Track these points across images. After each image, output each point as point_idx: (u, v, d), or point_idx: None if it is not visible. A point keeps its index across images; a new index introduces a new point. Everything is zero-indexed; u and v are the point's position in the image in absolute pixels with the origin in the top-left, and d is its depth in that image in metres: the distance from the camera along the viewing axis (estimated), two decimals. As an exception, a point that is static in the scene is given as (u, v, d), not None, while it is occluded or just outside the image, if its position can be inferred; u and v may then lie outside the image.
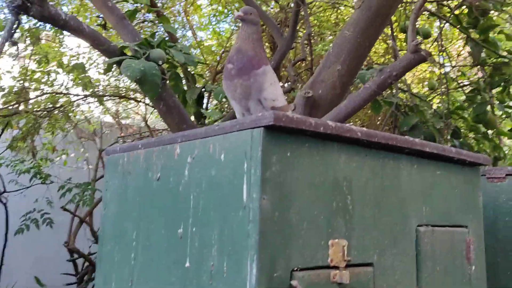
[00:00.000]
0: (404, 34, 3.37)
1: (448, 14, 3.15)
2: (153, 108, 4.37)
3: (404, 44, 3.93)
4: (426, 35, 3.10)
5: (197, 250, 0.84)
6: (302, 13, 3.18)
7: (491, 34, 2.98)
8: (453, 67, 3.63)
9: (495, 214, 1.60)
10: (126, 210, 1.07)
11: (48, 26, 3.63)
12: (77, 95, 4.03)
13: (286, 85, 3.64)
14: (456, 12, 3.10)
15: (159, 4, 4.20)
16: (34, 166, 3.63)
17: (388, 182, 0.96)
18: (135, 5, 2.68)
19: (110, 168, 1.15)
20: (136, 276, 0.99)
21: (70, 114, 4.05)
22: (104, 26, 3.03)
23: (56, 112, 3.93)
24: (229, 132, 0.82)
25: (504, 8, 3.04)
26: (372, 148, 0.93)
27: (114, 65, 2.24)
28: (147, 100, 4.16)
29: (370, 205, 0.91)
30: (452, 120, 3.15)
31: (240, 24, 1.18)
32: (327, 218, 0.83)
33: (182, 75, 2.51)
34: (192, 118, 2.53)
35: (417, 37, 2.11)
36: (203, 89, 2.57)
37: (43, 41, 4.06)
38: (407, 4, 3.30)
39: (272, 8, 4.53)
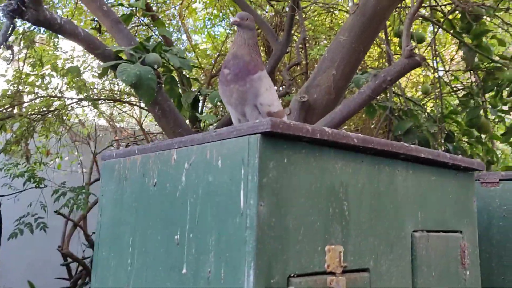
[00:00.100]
0: (398, 39, 3.40)
1: (442, 19, 3.18)
2: (147, 112, 4.35)
3: (398, 48, 3.96)
4: (420, 40, 3.12)
5: (194, 256, 0.84)
6: (297, 17, 3.19)
7: (484, 39, 3.01)
8: (447, 71, 3.65)
9: (489, 219, 1.61)
10: (122, 216, 1.06)
11: (42, 29, 3.62)
12: (72, 98, 4.01)
13: (281, 89, 3.64)
14: (450, 17, 3.12)
15: (154, 8, 4.20)
16: (28, 170, 3.60)
17: (384, 187, 0.97)
18: (130, 9, 2.68)
19: (106, 173, 1.15)
20: (132, 282, 0.99)
21: (64, 118, 4.02)
22: (99, 30, 3.02)
23: (50, 115, 3.91)
24: (226, 138, 0.82)
25: (496, 14, 3.07)
26: (368, 154, 0.94)
27: (110, 69, 2.24)
28: (142, 104, 4.15)
29: (366, 211, 0.92)
30: (446, 124, 3.17)
31: (236, 29, 1.18)
32: (324, 224, 0.84)
33: (177, 79, 2.51)
34: (187, 122, 2.53)
35: (411, 42, 2.12)
36: (198, 93, 2.57)
37: (37, 44, 4.04)
38: (401, 9, 3.32)
39: (267, 12, 4.54)
